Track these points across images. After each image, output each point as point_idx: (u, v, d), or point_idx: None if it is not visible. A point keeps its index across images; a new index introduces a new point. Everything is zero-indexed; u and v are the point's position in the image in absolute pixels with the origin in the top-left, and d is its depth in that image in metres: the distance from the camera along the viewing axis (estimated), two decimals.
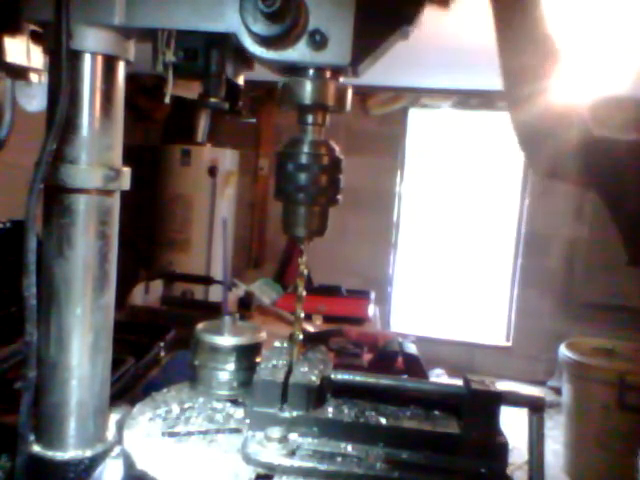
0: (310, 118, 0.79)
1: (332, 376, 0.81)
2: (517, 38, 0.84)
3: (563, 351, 3.50)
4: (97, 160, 0.77)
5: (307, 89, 0.76)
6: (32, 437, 0.79)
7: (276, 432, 0.72)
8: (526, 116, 0.87)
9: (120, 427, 0.82)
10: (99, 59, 0.76)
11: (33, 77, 1.06)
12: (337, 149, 0.81)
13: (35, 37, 0.97)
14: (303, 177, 0.77)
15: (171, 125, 5.14)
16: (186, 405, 0.85)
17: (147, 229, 4.73)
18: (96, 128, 0.77)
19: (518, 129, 0.89)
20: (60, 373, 0.78)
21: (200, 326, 0.92)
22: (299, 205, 0.80)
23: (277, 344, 0.92)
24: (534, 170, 1.01)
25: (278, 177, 0.80)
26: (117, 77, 0.79)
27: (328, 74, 0.77)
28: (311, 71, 0.76)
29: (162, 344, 1.60)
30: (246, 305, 2.67)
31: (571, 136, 0.87)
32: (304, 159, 0.78)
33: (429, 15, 0.80)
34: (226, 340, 0.88)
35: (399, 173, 5.24)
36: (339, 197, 0.81)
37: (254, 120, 5.10)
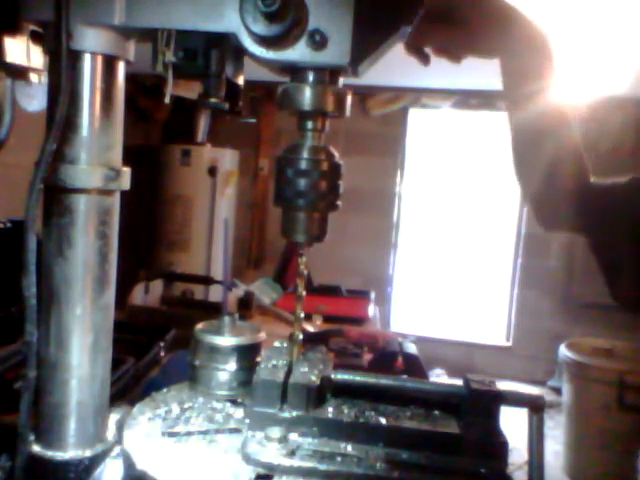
0: (310, 124, 0.79)
1: (332, 376, 0.81)
2: (515, 40, 0.85)
3: (563, 351, 3.50)
4: (97, 160, 0.77)
5: (306, 95, 0.76)
6: (32, 437, 0.79)
7: (276, 432, 0.72)
8: (526, 116, 0.87)
9: (120, 427, 0.82)
10: (99, 59, 0.76)
11: (33, 77, 1.06)
12: (336, 154, 0.81)
13: (35, 37, 0.96)
14: (302, 183, 0.77)
15: (171, 125, 5.14)
16: (186, 405, 0.85)
17: (147, 229, 4.73)
18: (96, 128, 0.77)
19: (516, 130, 0.89)
20: (60, 373, 0.78)
21: (200, 326, 0.92)
22: (299, 211, 0.79)
23: (277, 344, 0.92)
24: (525, 196, 1.01)
25: (277, 183, 0.80)
26: (117, 77, 0.78)
27: (327, 79, 0.77)
28: (310, 76, 0.76)
29: (162, 344, 1.60)
30: (246, 305, 2.66)
31: (569, 139, 0.87)
32: (303, 165, 0.77)
33: None
34: (226, 340, 0.88)
35: (399, 173, 5.24)
36: (339, 203, 0.81)
37: (254, 120, 5.09)
